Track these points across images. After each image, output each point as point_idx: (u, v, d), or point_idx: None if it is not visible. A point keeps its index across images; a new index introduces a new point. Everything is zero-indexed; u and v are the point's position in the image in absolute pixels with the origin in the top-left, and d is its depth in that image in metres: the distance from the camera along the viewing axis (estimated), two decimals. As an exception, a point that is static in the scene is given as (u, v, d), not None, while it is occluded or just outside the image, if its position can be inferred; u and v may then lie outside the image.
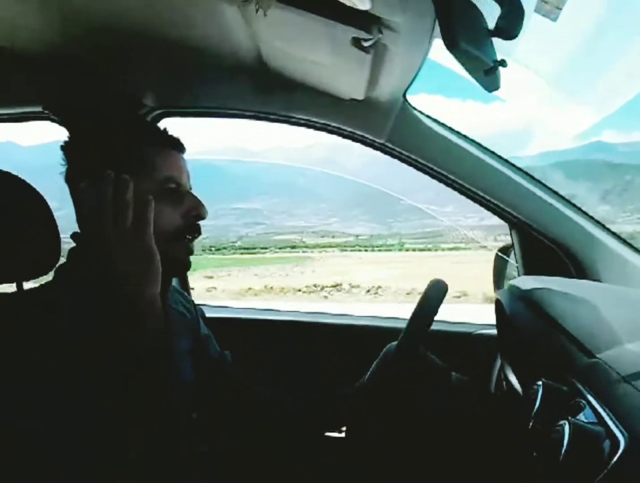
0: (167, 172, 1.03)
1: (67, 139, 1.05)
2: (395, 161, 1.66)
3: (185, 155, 1.12)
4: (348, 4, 0.92)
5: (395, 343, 1.34)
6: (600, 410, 0.79)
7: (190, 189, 1.09)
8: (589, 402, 0.84)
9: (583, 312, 1.05)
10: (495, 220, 1.67)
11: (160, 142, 1.06)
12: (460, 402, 1.41)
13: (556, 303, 1.09)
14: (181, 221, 1.03)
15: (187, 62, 1.46)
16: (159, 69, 1.50)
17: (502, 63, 0.83)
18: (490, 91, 0.91)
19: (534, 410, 0.91)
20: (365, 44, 1.09)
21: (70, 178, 1.03)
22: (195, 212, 1.05)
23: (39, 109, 1.57)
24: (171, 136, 1.08)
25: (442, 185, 1.65)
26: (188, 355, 1.17)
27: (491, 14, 0.82)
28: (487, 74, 0.84)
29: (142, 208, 0.88)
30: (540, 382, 0.96)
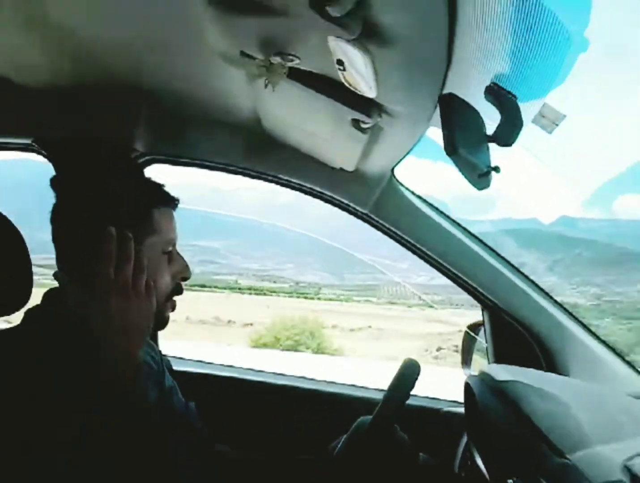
0: (169, 234, 1.05)
1: (57, 174, 1.06)
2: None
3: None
4: (355, 90, 0.96)
5: (367, 417, 1.34)
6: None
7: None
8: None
9: (555, 410, 1.06)
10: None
11: (163, 200, 1.07)
12: None
13: (529, 398, 1.10)
14: (171, 282, 1.06)
15: (182, 112, 1.48)
16: (153, 115, 1.50)
17: (496, 169, 0.86)
18: (480, 189, 0.94)
19: None
20: (364, 126, 1.12)
21: (59, 215, 1.01)
22: (183, 274, 1.08)
23: (28, 141, 1.55)
24: (169, 194, 1.09)
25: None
26: (154, 406, 1.14)
27: (491, 120, 0.86)
28: (480, 178, 0.88)
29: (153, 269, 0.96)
30: (510, 481, 0.96)
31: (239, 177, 1.65)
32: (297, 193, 1.66)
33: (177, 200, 1.09)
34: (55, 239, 1.01)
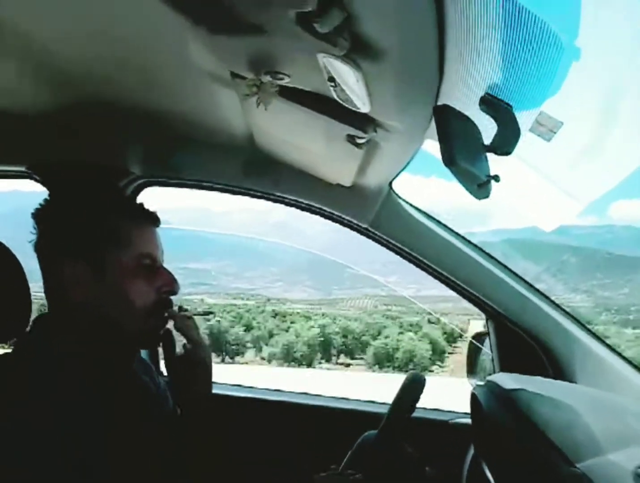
0: (143, 248, 1.04)
1: (39, 206, 1.04)
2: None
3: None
4: (349, 106, 0.95)
5: (372, 432, 1.33)
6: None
7: (162, 262, 1.09)
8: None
9: (564, 418, 1.04)
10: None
11: (138, 216, 1.08)
12: None
13: (537, 407, 1.08)
14: (155, 296, 1.04)
15: (176, 134, 1.47)
16: (148, 138, 1.50)
17: (496, 178, 0.86)
18: (480, 199, 0.93)
19: None
20: (359, 141, 1.12)
21: (42, 248, 1.02)
22: (168, 288, 1.06)
23: (22, 168, 1.55)
24: (148, 210, 1.10)
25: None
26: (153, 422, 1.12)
27: (488, 129, 0.85)
28: (480, 187, 0.87)
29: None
30: None
31: (232, 199, 1.64)
32: (290, 212, 1.66)
33: (156, 216, 1.10)
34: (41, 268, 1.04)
